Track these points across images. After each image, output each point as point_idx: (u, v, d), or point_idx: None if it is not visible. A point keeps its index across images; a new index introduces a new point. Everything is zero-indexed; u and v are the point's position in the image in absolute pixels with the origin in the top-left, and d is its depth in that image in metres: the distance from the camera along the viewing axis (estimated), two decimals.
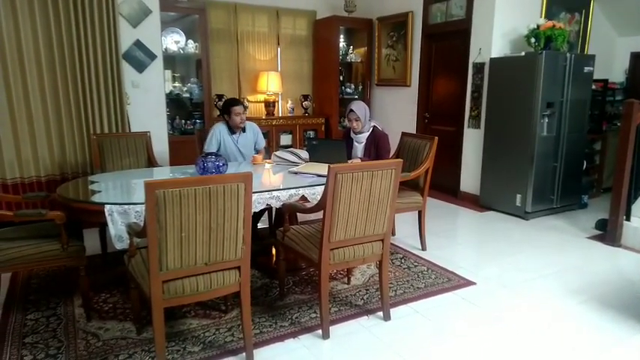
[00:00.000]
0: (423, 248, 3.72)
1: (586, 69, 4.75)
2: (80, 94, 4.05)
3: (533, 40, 4.61)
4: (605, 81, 5.60)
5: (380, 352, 2.34)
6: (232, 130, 3.72)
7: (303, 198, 2.85)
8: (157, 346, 2.03)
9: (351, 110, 3.51)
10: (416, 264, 3.44)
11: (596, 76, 5.01)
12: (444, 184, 5.57)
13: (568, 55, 4.58)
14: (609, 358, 2.32)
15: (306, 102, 6.34)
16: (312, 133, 6.27)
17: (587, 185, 5.37)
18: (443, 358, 2.28)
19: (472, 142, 5.24)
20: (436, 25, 5.58)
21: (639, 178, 3.99)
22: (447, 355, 2.31)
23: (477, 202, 5.14)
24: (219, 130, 3.70)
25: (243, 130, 3.75)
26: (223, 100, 5.29)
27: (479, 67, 5.02)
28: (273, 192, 2.75)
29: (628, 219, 3.97)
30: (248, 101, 6.02)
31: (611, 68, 5.83)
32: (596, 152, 5.65)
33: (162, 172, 3.47)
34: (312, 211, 2.50)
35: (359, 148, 3.53)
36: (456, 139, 5.43)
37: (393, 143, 3.91)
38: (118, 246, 2.40)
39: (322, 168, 3.19)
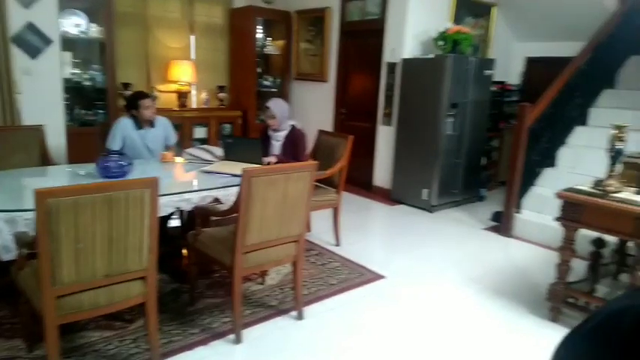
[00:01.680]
0: (338, 244, 3.81)
1: (487, 72, 5.14)
2: None
3: (441, 42, 4.88)
4: (504, 83, 6.10)
5: (292, 352, 2.37)
6: (139, 124, 3.49)
7: (217, 200, 2.77)
8: None
9: (268, 107, 3.46)
10: (330, 260, 3.52)
11: (495, 79, 5.44)
12: (359, 178, 5.74)
13: (471, 58, 4.91)
14: (503, 342, 2.55)
15: (221, 93, 6.15)
16: (228, 127, 6.11)
17: (486, 179, 5.83)
18: (354, 354, 2.37)
19: (385, 138, 5.44)
20: (353, 23, 5.68)
21: (529, 174, 4.43)
22: (357, 350, 2.40)
23: (388, 196, 5.37)
24: (123, 125, 3.45)
25: (152, 124, 3.54)
26: (130, 89, 4.95)
27: (392, 67, 5.21)
28: (184, 194, 2.63)
29: (519, 212, 4.39)
30: (158, 91, 5.70)
31: (509, 71, 6.36)
32: (494, 149, 6.16)
33: (58, 172, 3.17)
34: (225, 214, 2.44)
35: (276, 146, 3.50)
36: (371, 136, 5.61)
37: (311, 140, 3.94)
38: (4, 257, 2.16)
39: (237, 167, 3.12)
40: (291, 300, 2.84)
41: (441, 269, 3.50)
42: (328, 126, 6.07)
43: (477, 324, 2.74)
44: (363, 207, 5.15)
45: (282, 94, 6.32)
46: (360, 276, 3.26)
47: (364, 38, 5.62)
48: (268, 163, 3.32)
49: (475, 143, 5.24)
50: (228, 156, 3.37)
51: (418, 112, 4.97)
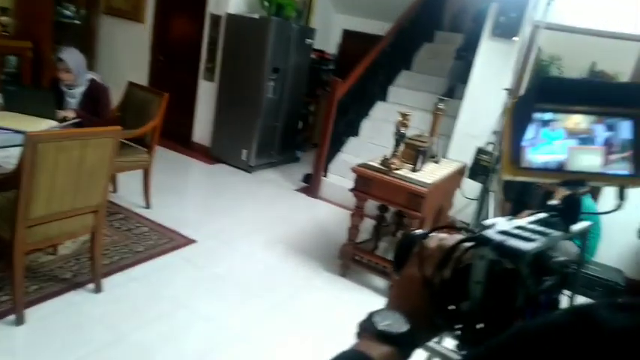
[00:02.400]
0: (148, 206, 3.64)
1: (307, 40, 5.34)
2: None
3: (266, 3, 4.85)
4: (322, 52, 6.44)
5: (88, 329, 2.24)
6: None
7: None
8: None
9: (61, 59, 2.95)
10: (138, 225, 3.35)
11: (315, 47, 5.70)
12: (177, 133, 5.48)
13: (294, 25, 5.03)
14: (300, 297, 2.86)
15: (4, 17, 5.03)
16: (14, 60, 5.07)
17: (301, 141, 6.21)
18: (158, 325, 2.36)
19: (206, 93, 5.28)
20: None
21: (337, 142, 4.88)
22: (162, 320, 2.40)
23: (208, 154, 5.29)
24: None
25: None
26: None
27: (216, 20, 4.99)
28: None
29: (326, 175, 4.84)
30: None
31: (328, 41, 6.73)
32: (310, 113, 6.55)
33: None
34: (2, 185, 2.08)
35: (72, 103, 3.05)
36: (192, 89, 5.36)
37: (120, 92, 3.57)
38: None
39: (24, 122, 2.67)
40: (88, 271, 2.64)
41: (252, 231, 3.67)
42: (144, 73, 5.58)
43: (279, 281, 3.00)
44: (180, 165, 4.98)
45: (89, 29, 5.52)
46: (169, 241, 3.20)
47: None
48: (64, 118, 2.92)
49: (293, 107, 5.49)
50: (11, 106, 2.83)
51: (241, 72, 4.92)
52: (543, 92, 0.63)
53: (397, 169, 2.99)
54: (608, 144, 0.65)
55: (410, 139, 3.16)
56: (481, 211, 3.52)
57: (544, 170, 0.66)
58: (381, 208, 3.57)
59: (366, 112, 5.21)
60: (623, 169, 0.65)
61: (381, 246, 3.60)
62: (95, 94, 3.06)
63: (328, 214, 4.43)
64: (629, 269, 3.81)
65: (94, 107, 3.04)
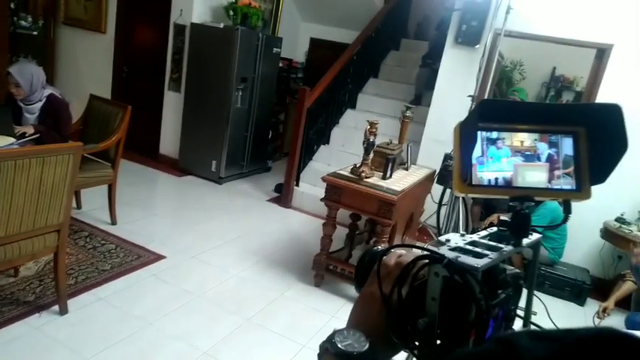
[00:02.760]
0: (113, 223, 3.53)
1: (275, 49, 5.33)
2: None
3: (231, 13, 4.82)
4: (290, 60, 6.44)
5: (52, 353, 2.14)
6: None
7: None
8: None
9: (9, 73, 2.78)
10: (103, 242, 3.24)
11: (282, 55, 5.70)
12: (143, 146, 5.36)
13: (260, 34, 5.02)
14: (275, 308, 2.81)
15: None
16: None
17: (272, 151, 6.18)
18: (127, 344, 2.28)
19: (172, 104, 5.18)
20: None
21: (308, 150, 4.88)
22: (131, 339, 2.32)
23: (176, 166, 5.19)
24: None
25: None
26: None
27: (180, 29, 4.92)
28: None
29: (297, 184, 4.82)
30: None
31: (296, 49, 6.74)
32: (280, 122, 6.53)
33: None
34: None
35: (30, 118, 2.92)
36: (158, 100, 5.26)
37: (81, 106, 3.46)
38: None
39: None
40: (52, 293, 2.53)
41: (223, 244, 3.60)
42: (107, 85, 5.44)
43: (252, 295, 2.95)
44: (147, 179, 4.86)
45: (47, 41, 5.34)
46: (137, 258, 3.11)
47: None
48: (23, 134, 2.80)
49: (263, 117, 5.45)
50: None
51: (208, 82, 4.86)
52: (484, 113, 0.65)
53: (367, 177, 3.00)
54: (552, 160, 0.68)
55: (379, 147, 3.19)
56: (451, 216, 3.58)
57: (493, 187, 0.68)
58: (353, 216, 3.58)
59: (335, 120, 5.23)
60: (567, 184, 0.68)
61: (355, 254, 3.60)
62: (54, 109, 2.94)
63: (301, 223, 4.41)
64: (594, 268, 3.95)
65: (54, 122, 2.93)
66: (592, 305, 3.54)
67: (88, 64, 5.53)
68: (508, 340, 0.34)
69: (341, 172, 3.09)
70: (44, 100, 2.93)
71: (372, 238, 3.86)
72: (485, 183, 0.67)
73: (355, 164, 3.10)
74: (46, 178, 2.08)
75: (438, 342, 0.54)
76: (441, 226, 3.60)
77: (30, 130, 2.84)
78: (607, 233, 3.66)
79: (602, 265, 3.91)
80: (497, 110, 0.68)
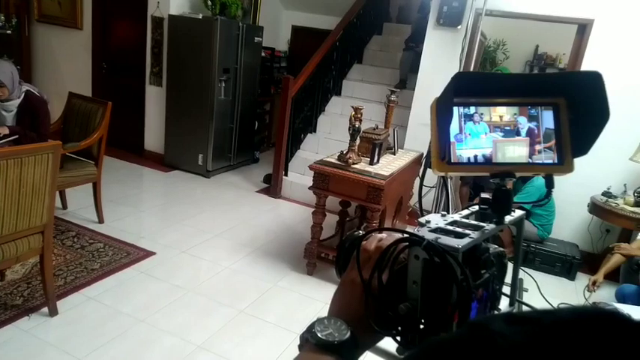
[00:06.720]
0: (100, 221, 3.48)
1: (256, 39, 5.26)
2: None
3: (210, 3, 4.73)
4: (273, 49, 6.36)
5: (43, 356, 2.11)
6: None
7: None
8: None
9: None
10: (91, 241, 3.20)
11: (265, 45, 5.62)
12: (127, 142, 5.29)
13: (240, 24, 4.94)
14: (268, 298, 2.80)
15: None
16: None
17: (259, 142, 6.13)
18: (120, 342, 2.25)
19: (155, 99, 5.10)
20: None
21: (295, 140, 4.84)
22: (123, 337, 2.29)
23: (162, 162, 5.12)
24: None
25: None
26: None
27: (158, 22, 4.82)
28: None
29: (286, 174, 4.79)
30: None
31: (278, 38, 6.66)
32: (266, 112, 6.47)
33: None
34: None
35: (8, 117, 2.85)
36: (139, 95, 5.17)
37: (61, 103, 3.38)
38: None
39: None
40: (41, 295, 2.49)
41: (214, 237, 3.58)
42: (86, 82, 5.34)
43: (245, 287, 2.93)
44: (133, 175, 4.79)
45: (22, 39, 5.20)
46: (126, 255, 3.07)
47: None
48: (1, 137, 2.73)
49: (248, 107, 5.39)
50: None
51: (189, 74, 4.79)
52: (460, 87, 0.62)
53: (354, 163, 2.99)
54: (532, 134, 0.66)
55: (365, 132, 3.17)
56: (440, 198, 3.58)
57: (473, 164, 0.65)
58: (343, 203, 3.57)
59: (321, 107, 5.19)
60: (548, 158, 0.66)
61: None
62: (32, 108, 2.87)
63: (291, 213, 4.39)
64: (583, 243, 4.00)
65: (32, 121, 2.86)
66: (582, 279, 3.58)
67: (66, 62, 5.41)
68: (481, 325, 0.31)
69: (328, 159, 3.07)
70: (22, 96, 2.85)
71: (363, 224, 3.86)
72: (465, 161, 0.65)
73: (342, 151, 3.08)
74: (25, 179, 2.03)
75: (421, 327, 0.52)
76: (430, 208, 3.61)
77: (5, 131, 2.77)
78: (594, 208, 3.70)
79: (590, 240, 3.96)
80: (473, 84, 0.65)
